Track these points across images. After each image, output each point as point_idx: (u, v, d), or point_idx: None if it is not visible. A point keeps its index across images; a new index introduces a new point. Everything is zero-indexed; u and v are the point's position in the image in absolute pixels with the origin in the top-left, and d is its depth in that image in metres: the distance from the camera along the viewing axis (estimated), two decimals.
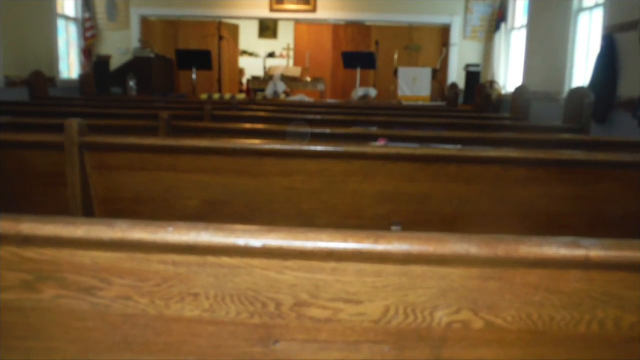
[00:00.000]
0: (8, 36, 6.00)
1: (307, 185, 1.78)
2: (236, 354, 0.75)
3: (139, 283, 0.73)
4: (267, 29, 12.49)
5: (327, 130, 2.54)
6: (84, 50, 8.24)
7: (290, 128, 2.55)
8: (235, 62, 10.63)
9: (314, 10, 8.67)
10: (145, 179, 1.80)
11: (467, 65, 7.95)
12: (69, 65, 8.12)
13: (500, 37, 8.01)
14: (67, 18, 7.92)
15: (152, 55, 8.01)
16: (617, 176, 1.79)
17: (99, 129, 2.63)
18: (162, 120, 2.46)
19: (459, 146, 2.29)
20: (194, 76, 7.15)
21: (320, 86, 8.08)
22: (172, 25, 9.32)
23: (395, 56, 8.29)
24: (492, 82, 7.67)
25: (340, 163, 1.77)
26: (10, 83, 6.00)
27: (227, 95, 6.92)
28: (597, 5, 5.42)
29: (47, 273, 0.73)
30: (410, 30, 9.20)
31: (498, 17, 8.13)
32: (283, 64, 10.99)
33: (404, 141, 2.34)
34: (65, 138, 1.76)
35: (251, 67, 11.71)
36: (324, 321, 0.74)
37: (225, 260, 0.72)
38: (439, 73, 8.07)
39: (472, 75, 7.79)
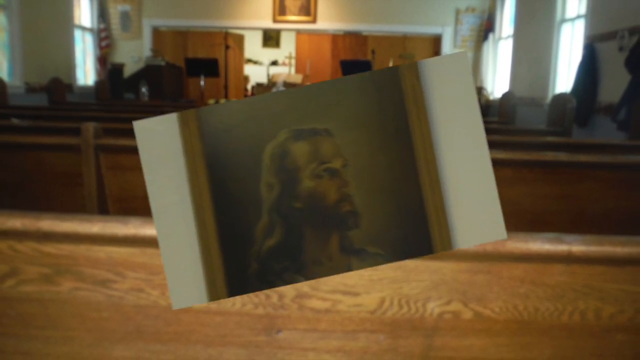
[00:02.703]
0: (29, 45, 6.01)
1: None
2: (241, 343, 0.75)
3: (151, 276, 0.73)
4: (271, 39, 12.49)
5: None
6: (99, 59, 8.25)
7: None
8: (241, 69, 10.63)
9: (314, 21, 8.67)
10: None
11: None
12: (85, 72, 8.12)
13: (488, 47, 8.01)
14: (83, 29, 7.92)
15: (162, 63, 8.01)
16: (598, 176, 1.79)
17: (114, 132, 2.62)
18: None
19: None
20: (202, 83, 7.15)
21: None
22: (182, 35, 9.32)
23: (391, 64, 8.29)
24: (480, 89, 7.67)
25: None
26: (31, 89, 6.00)
27: None
28: (579, 16, 5.42)
29: (65, 267, 0.73)
30: (404, 40, 9.20)
31: (486, 28, 8.13)
32: (285, 72, 11.01)
33: None
34: (81, 141, 1.76)
35: (255, 75, 11.71)
36: (323, 312, 0.73)
37: None
38: None
39: None
